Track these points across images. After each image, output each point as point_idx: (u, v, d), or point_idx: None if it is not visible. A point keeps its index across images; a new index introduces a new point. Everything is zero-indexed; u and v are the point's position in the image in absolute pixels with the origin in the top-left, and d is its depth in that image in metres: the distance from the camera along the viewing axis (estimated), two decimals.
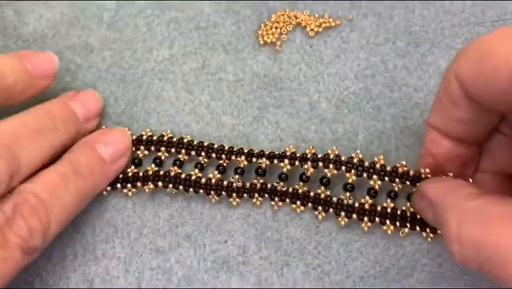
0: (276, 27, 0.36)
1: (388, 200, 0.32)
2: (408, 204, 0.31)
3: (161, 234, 0.33)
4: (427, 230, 0.31)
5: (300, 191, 0.32)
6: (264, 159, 0.32)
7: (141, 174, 0.33)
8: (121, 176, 0.33)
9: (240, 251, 0.32)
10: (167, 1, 0.37)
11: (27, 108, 0.30)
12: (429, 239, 0.31)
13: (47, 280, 0.32)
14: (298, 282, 0.31)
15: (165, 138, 0.34)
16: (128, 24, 0.36)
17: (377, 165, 0.32)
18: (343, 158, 0.32)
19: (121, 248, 0.32)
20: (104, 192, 0.33)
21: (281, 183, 0.32)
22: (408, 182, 0.31)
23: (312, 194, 0.32)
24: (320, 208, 0.32)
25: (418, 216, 0.31)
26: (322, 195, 0.32)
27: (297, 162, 0.32)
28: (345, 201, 0.31)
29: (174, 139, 0.34)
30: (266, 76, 0.35)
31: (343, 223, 0.31)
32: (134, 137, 0.34)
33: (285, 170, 0.32)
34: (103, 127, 0.34)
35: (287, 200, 0.32)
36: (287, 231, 0.32)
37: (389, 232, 0.31)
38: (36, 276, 0.32)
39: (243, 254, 0.32)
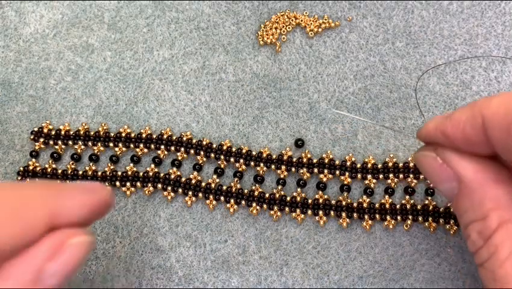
0: (276, 28, 0.36)
1: (386, 197, 0.32)
2: (407, 197, 0.32)
3: (161, 233, 0.33)
4: (430, 220, 0.32)
5: (298, 198, 0.32)
6: (262, 165, 0.33)
7: (141, 174, 0.33)
8: (120, 173, 0.34)
9: (240, 250, 0.32)
10: (168, 2, 0.37)
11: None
12: (431, 229, 0.31)
13: None
14: (297, 281, 0.32)
15: (165, 136, 0.34)
16: (128, 25, 0.37)
17: (369, 165, 0.33)
18: (337, 162, 0.33)
19: (121, 247, 0.33)
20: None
21: (279, 187, 0.33)
22: (401, 176, 0.32)
23: (310, 200, 0.32)
24: (320, 212, 0.32)
25: (417, 208, 0.32)
26: (320, 200, 0.32)
27: (293, 169, 0.33)
28: (344, 202, 0.32)
29: (174, 138, 0.34)
30: (266, 76, 0.35)
31: (345, 224, 0.32)
32: (133, 134, 0.34)
33: (282, 176, 0.33)
34: (104, 123, 0.34)
35: (286, 208, 0.32)
36: (287, 231, 0.33)
37: (390, 226, 0.31)
38: None
39: (243, 254, 0.32)
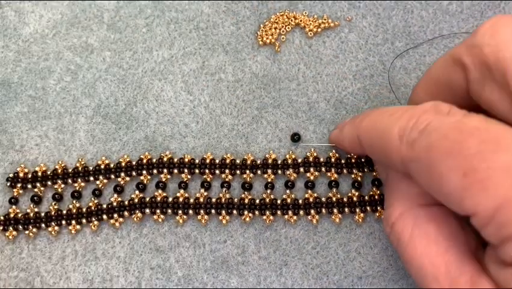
0: (275, 28, 0.36)
1: (374, 188, 0.33)
2: None
3: (160, 234, 0.33)
4: None
5: (289, 200, 0.32)
6: (248, 172, 0.33)
7: (126, 202, 0.33)
8: (105, 206, 0.33)
9: (239, 251, 0.32)
10: (167, 2, 0.37)
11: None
12: None
13: (48, 279, 0.32)
14: (297, 281, 0.32)
15: (145, 161, 0.33)
16: (128, 25, 0.37)
17: (353, 160, 0.33)
18: (321, 159, 0.33)
19: (121, 247, 0.33)
20: (92, 227, 0.33)
21: (268, 192, 0.33)
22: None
23: (300, 201, 0.32)
24: (312, 211, 0.32)
25: None
26: (311, 199, 0.32)
27: (280, 171, 0.33)
28: (334, 198, 0.32)
29: (154, 160, 0.34)
30: (265, 76, 0.35)
31: (337, 220, 0.32)
32: (112, 165, 0.34)
33: (269, 179, 0.33)
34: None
35: (278, 212, 0.32)
36: (286, 231, 0.33)
37: (382, 217, 0.32)
38: (36, 275, 0.32)
39: (242, 254, 0.32)
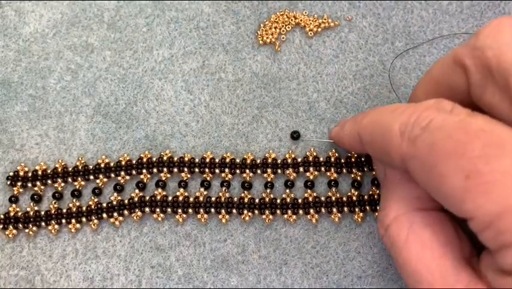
0: (276, 28, 0.36)
1: (373, 188, 0.33)
2: None
3: (161, 232, 0.33)
4: None
5: (288, 200, 0.33)
6: (248, 171, 0.33)
7: (126, 201, 0.33)
8: (105, 204, 0.33)
9: (239, 250, 0.32)
10: (167, 1, 0.37)
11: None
12: None
13: (48, 278, 0.32)
14: (296, 280, 0.32)
15: (145, 160, 0.34)
16: (128, 24, 0.37)
17: (353, 159, 0.33)
18: (321, 159, 0.33)
19: (121, 246, 0.33)
20: (92, 226, 0.33)
21: (268, 191, 0.33)
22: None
23: (300, 200, 0.32)
24: (312, 210, 0.32)
25: None
26: (310, 198, 0.32)
27: (279, 171, 0.33)
28: (333, 198, 0.32)
29: (154, 159, 0.34)
30: (265, 76, 0.35)
31: (337, 219, 0.32)
32: (112, 164, 0.34)
33: (269, 179, 0.33)
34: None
35: (278, 211, 0.32)
36: (286, 230, 0.33)
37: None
38: (37, 274, 0.32)
39: (242, 253, 0.32)
